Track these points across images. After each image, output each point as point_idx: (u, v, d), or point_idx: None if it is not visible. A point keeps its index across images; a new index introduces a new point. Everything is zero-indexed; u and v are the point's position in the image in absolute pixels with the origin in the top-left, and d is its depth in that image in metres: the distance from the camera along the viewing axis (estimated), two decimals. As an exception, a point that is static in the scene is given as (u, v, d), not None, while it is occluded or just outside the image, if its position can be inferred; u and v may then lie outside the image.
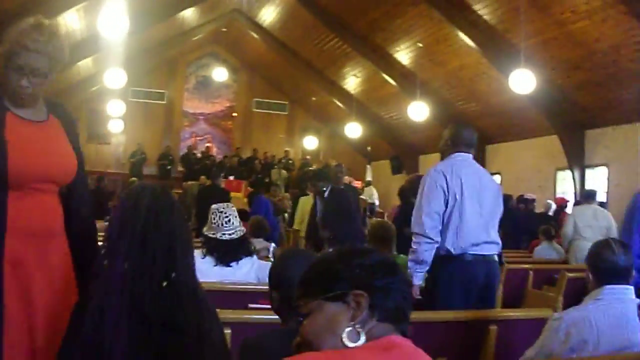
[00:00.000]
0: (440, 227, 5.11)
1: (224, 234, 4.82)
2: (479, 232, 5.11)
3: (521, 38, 13.59)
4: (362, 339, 1.69)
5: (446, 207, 5.11)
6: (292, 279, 2.29)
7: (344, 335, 1.69)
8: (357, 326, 1.70)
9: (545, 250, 10.64)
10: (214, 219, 4.85)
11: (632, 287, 3.52)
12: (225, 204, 4.97)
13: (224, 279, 4.78)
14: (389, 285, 1.76)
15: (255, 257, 5.13)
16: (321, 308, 1.75)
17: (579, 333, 3.35)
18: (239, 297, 4.58)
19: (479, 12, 14.92)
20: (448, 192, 5.12)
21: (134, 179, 19.09)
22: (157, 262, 2.53)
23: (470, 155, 5.41)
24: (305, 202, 11.91)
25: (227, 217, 4.81)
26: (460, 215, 5.08)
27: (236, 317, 3.77)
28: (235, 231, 4.86)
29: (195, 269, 2.72)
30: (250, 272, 5.00)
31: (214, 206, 4.96)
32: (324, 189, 9.05)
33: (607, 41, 13.21)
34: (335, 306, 1.73)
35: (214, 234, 4.85)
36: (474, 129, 5.83)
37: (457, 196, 5.11)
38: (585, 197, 11.23)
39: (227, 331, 3.52)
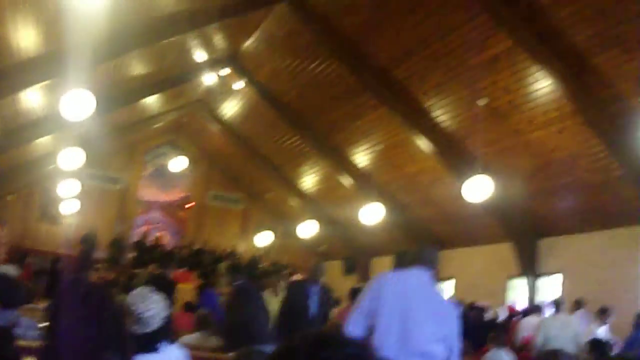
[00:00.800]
0: (361, 322, 5.14)
1: (140, 328, 4.63)
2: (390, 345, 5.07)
3: (478, 146, 13.81)
4: None
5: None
6: None
7: None
8: None
9: (494, 357, 10.53)
10: (131, 313, 4.66)
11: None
12: (137, 295, 4.72)
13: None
14: None
15: (177, 346, 4.95)
16: None
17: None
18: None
19: (438, 118, 15.17)
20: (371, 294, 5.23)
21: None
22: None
23: (426, 273, 5.36)
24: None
25: (138, 311, 4.61)
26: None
27: None
28: (150, 325, 4.65)
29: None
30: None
31: (128, 299, 4.75)
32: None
33: (563, 151, 13.49)
34: None
35: (133, 326, 4.65)
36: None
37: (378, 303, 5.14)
38: (554, 305, 11.34)
39: None
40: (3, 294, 5.40)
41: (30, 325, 5.30)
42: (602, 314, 12.26)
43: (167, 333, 4.70)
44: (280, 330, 8.34)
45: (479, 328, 13.64)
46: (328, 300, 9.43)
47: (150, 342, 4.56)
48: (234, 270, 9.36)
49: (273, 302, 9.34)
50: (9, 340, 3.76)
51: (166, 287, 11.29)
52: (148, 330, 4.53)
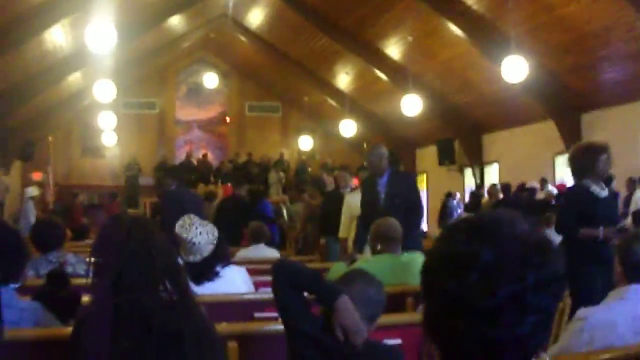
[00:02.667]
0: None
1: (195, 257, 4.59)
2: None
3: (510, 25, 13.48)
4: None
5: None
6: None
7: None
8: None
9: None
10: (181, 244, 4.61)
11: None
12: (184, 224, 4.66)
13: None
14: None
15: (234, 267, 4.94)
16: None
17: (604, 337, 3.19)
18: (239, 308, 4.48)
19: (466, 2, 14.79)
20: None
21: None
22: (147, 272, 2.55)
23: None
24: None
25: (190, 240, 4.56)
26: None
27: (242, 330, 3.71)
28: (203, 251, 4.60)
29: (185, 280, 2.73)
30: (241, 284, 4.85)
31: (176, 230, 4.69)
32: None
33: (597, 23, 13.09)
34: None
35: (186, 257, 4.61)
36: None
37: None
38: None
39: (234, 344, 3.44)
40: (37, 239, 5.46)
41: (79, 260, 5.32)
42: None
43: (220, 256, 4.70)
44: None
45: (532, 209, 13.58)
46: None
47: (206, 268, 4.57)
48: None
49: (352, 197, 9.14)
50: (63, 281, 3.77)
51: (243, 209, 11.42)
52: (202, 257, 4.54)
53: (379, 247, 5.57)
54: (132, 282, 2.50)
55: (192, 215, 4.71)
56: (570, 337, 3.32)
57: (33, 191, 16.80)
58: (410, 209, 7.34)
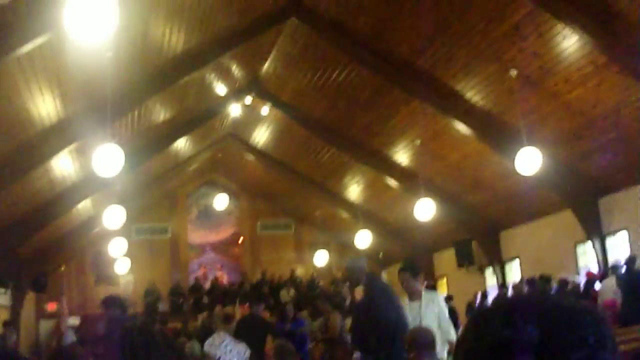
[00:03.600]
0: None
1: None
2: None
3: (518, 117, 13.41)
4: None
5: None
6: None
7: None
8: None
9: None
10: None
11: None
12: (214, 342, 4.46)
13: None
14: None
15: None
16: None
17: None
18: None
19: (472, 100, 14.78)
20: None
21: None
22: None
23: None
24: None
25: (220, 358, 4.33)
26: None
27: None
28: None
29: None
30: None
31: (205, 348, 4.50)
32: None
33: (604, 105, 13.04)
34: None
35: None
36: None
37: None
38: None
39: None
40: None
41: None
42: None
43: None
44: None
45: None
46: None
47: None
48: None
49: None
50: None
51: (262, 328, 11.13)
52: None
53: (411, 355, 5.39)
54: None
55: (222, 333, 4.54)
56: None
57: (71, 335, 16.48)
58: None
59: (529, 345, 1.10)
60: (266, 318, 16.21)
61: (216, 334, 4.57)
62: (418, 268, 8.29)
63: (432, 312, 7.53)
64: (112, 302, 8.52)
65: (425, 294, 7.77)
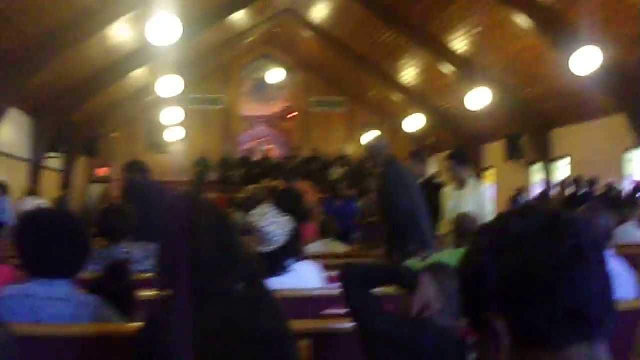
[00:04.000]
0: None
1: (266, 247, 4.44)
2: None
3: (580, 16, 13.09)
4: None
5: None
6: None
7: None
8: None
9: (623, 232, 10.06)
10: (253, 233, 4.48)
11: None
12: (256, 214, 4.53)
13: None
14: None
15: (308, 261, 4.78)
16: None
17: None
18: (304, 305, 4.31)
19: (536, -9, 14.45)
20: None
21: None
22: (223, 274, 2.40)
23: None
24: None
25: (262, 229, 4.41)
26: None
27: (317, 328, 3.55)
28: (275, 241, 4.45)
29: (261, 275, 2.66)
30: (314, 280, 4.67)
31: (248, 219, 4.59)
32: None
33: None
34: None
35: (257, 247, 4.48)
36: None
37: None
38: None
39: (307, 342, 3.28)
40: (106, 227, 5.31)
41: (145, 257, 5.16)
42: None
43: (294, 249, 4.54)
44: None
45: (608, 204, 13.14)
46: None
47: (278, 260, 4.42)
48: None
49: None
50: (123, 275, 3.63)
51: (294, 199, 11.19)
52: (273, 248, 4.38)
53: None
54: (212, 275, 2.38)
55: (267, 205, 4.62)
56: None
57: None
58: None
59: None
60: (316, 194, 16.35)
61: (263, 205, 4.65)
62: (465, 156, 8.22)
63: (473, 201, 7.55)
64: (133, 167, 8.68)
65: (471, 183, 7.79)
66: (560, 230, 1.24)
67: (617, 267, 4.08)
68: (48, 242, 2.96)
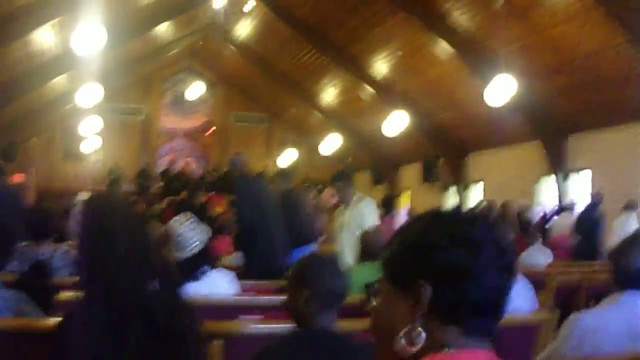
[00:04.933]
0: None
1: (181, 253, 4.56)
2: None
3: (500, 44, 13.52)
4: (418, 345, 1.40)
5: None
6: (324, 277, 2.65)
7: (401, 336, 1.42)
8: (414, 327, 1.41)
9: (530, 255, 10.43)
10: (171, 240, 4.60)
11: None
12: (178, 219, 4.66)
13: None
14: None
15: (223, 270, 4.91)
16: (388, 294, 1.50)
17: (594, 341, 3.16)
18: (218, 311, 4.42)
19: (457, 19, 14.84)
20: None
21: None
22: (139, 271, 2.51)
23: None
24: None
25: (178, 236, 4.54)
26: None
27: (228, 330, 3.68)
28: (191, 247, 4.58)
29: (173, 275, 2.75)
30: (227, 288, 4.80)
31: (169, 224, 4.70)
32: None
33: (587, 45, 13.13)
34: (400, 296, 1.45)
35: (174, 254, 4.59)
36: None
37: None
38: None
39: (219, 342, 3.43)
40: (34, 226, 5.35)
41: (65, 258, 5.23)
42: (630, 207, 12.31)
43: (208, 257, 4.67)
44: None
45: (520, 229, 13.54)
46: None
47: (192, 267, 4.53)
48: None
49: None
50: (44, 273, 3.70)
51: (198, 211, 11.21)
52: (188, 255, 4.50)
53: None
54: (126, 274, 2.46)
55: (189, 213, 4.72)
56: (560, 342, 3.30)
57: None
58: None
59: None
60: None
61: (183, 213, 4.76)
62: (349, 177, 8.57)
63: (353, 216, 7.85)
64: None
65: (354, 200, 8.05)
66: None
67: (518, 283, 4.41)
68: None
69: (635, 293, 3.27)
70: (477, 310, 1.41)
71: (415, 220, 1.55)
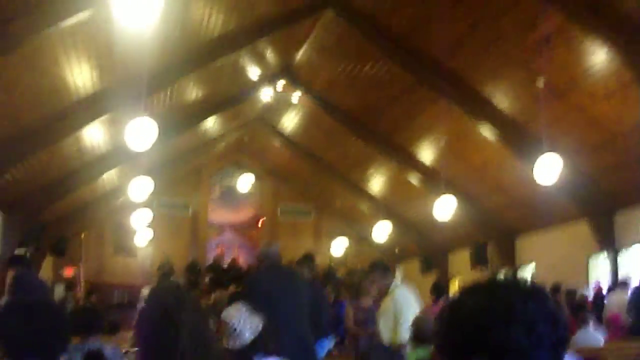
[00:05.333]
0: None
1: (234, 343, 4.63)
2: None
3: (542, 126, 13.56)
4: None
5: None
6: None
7: None
8: None
9: (584, 336, 10.34)
10: (224, 330, 4.69)
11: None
12: (231, 310, 4.75)
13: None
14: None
15: (275, 357, 4.93)
16: None
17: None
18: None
19: (498, 104, 14.98)
20: None
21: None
22: None
23: None
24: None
25: (232, 326, 4.63)
26: None
27: None
28: (242, 339, 4.64)
29: None
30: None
31: (222, 315, 4.79)
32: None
33: (628, 121, 13.15)
34: None
35: (227, 344, 4.67)
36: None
37: None
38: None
39: None
40: (79, 323, 5.49)
41: (116, 353, 5.35)
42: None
43: (262, 345, 4.71)
44: None
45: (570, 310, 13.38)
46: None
47: (245, 356, 4.59)
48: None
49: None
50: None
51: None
52: (242, 343, 4.56)
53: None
54: None
55: (242, 304, 4.80)
56: None
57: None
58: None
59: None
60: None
61: (237, 303, 4.84)
62: (386, 266, 8.63)
63: (390, 306, 7.90)
64: (16, 260, 8.81)
65: (392, 289, 8.10)
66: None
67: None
68: (32, 328, 3.08)
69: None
70: None
71: (469, 292, 1.57)
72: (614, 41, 11.45)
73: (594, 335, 10.37)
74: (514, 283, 1.54)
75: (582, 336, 10.33)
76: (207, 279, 23.39)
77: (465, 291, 1.57)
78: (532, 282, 1.55)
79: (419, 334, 5.79)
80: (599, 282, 15.94)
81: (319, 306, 8.22)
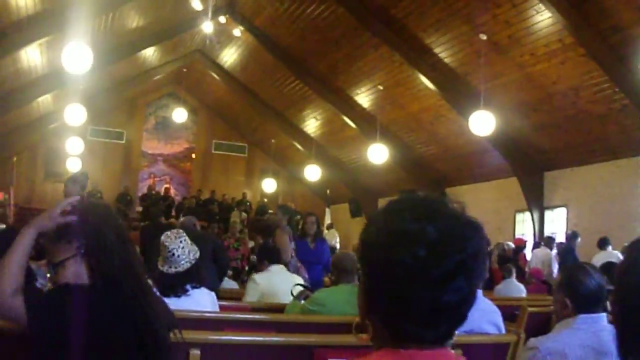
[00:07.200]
0: None
1: (169, 268, 4.69)
2: None
3: (481, 81, 13.74)
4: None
5: None
6: None
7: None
8: None
9: (506, 288, 10.67)
10: (162, 252, 4.74)
11: (605, 315, 3.45)
12: (171, 235, 4.79)
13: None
14: None
15: (205, 289, 5.01)
16: None
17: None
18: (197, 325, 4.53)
19: (439, 55, 15.08)
20: None
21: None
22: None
23: None
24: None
25: (171, 251, 4.68)
26: None
27: (205, 338, 3.74)
28: (179, 265, 4.71)
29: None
30: (207, 305, 4.92)
31: (162, 238, 4.82)
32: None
33: (565, 83, 13.43)
34: None
35: (162, 266, 4.73)
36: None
37: None
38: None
39: (196, 352, 3.54)
40: (7, 245, 5.45)
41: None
42: (603, 244, 12.52)
43: (195, 276, 4.80)
44: None
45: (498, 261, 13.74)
46: None
47: (180, 283, 4.66)
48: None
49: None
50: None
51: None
52: (178, 270, 4.63)
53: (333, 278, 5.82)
54: (111, 266, 2.62)
55: (181, 231, 4.84)
56: None
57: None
58: None
59: (424, 240, 1.46)
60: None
61: (176, 230, 4.87)
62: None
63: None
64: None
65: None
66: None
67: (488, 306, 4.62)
68: None
69: (588, 316, 3.42)
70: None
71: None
72: (560, 3, 11.57)
73: (517, 286, 10.72)
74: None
75: (506, 286, 10.68)
76: (137, 210, 23.32)
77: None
78: None
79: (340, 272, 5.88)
80: (522, 237, 16.35)
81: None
